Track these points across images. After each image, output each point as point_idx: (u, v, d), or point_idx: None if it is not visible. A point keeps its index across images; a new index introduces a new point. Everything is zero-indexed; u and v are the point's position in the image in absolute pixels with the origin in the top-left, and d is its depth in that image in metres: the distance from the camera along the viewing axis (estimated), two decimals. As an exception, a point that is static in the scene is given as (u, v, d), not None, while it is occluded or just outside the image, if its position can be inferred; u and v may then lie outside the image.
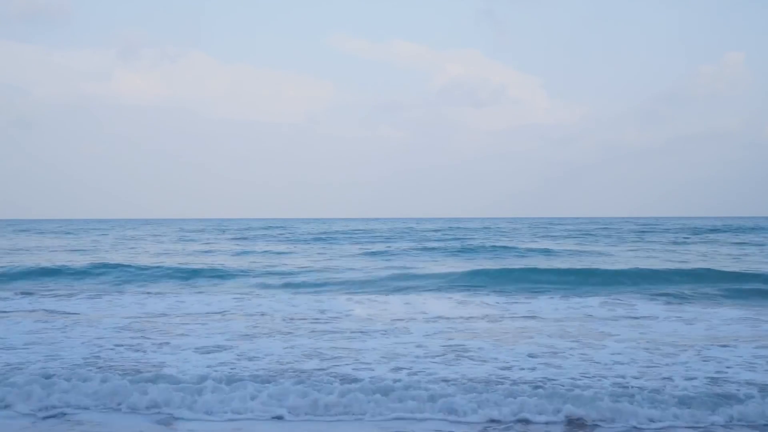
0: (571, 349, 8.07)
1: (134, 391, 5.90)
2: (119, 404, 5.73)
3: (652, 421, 5.33)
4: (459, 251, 28.03)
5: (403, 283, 16.46)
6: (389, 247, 31.37)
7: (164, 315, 11.25)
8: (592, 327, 9.81)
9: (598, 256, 24.93)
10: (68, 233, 51.63)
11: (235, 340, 8.71)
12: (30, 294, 14.30)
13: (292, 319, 10.72)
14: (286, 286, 16.18)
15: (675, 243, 33.64)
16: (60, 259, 23.70)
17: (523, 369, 6.99)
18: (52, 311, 11.69)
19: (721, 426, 5.29)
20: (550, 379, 6.51)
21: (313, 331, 9.45)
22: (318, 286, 16.04)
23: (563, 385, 6.23)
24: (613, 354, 7.74)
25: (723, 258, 23.89)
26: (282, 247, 32.17)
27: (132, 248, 32.22)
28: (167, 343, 8.48)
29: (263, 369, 6.97)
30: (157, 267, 20.08)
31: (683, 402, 5.62)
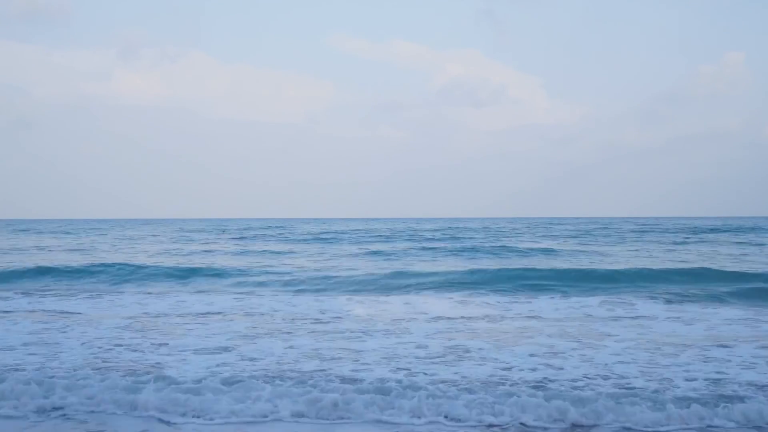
0: (571, 349, 8.06)
1: (134, 391, 5.89)
2: (119, 405, 5.72)
3: (652, 422, 5.31)
4: (459, 251, 28.03)
5: (403, 282, 16.44)
6: (389, 247, 31.37)
7: (164, 315, 11.24)
8: (593, 327, 9.80)
9: (598, 256, 24.93)
10: (68, 233, 51.62)
11: (235, 341, 8.70)
12: (30, 294, 14.29)
13: (292, 319, 10.72)
14: (286, 286, 16.16)
15: (675, 243, 33.63)
16: (60, 259, 23.70)
17: (523, 370, 6.98)
18: (51, 311, 11.68)
19: (722, 427, 5.28)
20: (550, 380, 6.50)
21: (313, 332, 9.44)
22: (318, 286, 16.02)
23: (564, 386, 6.23)
24: (613, 354, 7.74)
25: (723, 258, 23.88)
26: (282, 247, 32.16)
27: (132, 248, 32.21)
28: (167, 344, 8.47)
29: (263, 370, 6.96)
30: (157, 267, 20.07)
31: (684, 403, 5.61)
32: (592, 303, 12.41)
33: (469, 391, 5.96)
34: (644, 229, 52.27)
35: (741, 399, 5.76)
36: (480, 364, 7.24)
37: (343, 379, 6.48)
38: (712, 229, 47.87)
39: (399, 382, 6.25)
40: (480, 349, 8.06)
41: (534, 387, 6.17)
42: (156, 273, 18.83)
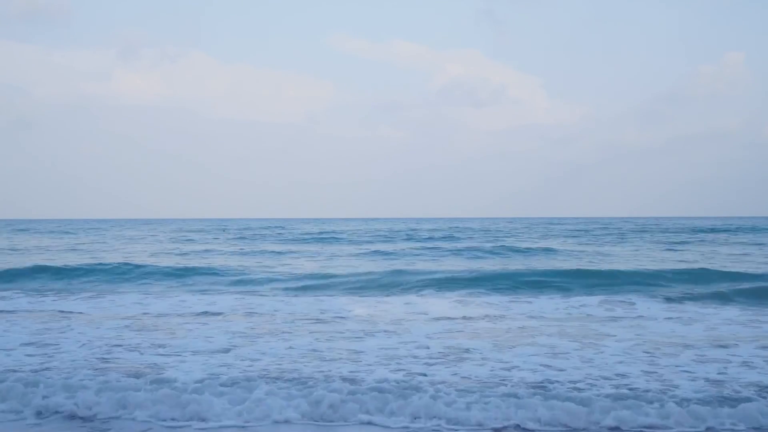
0: (572, 349, 8.06)
1: (133, 391, 5.87)
2: (118, 405, 5.70)
3: (653, 423, 5.30)
4: (459, 251, 28.03)
5: (403, 282, 16.43)
6: (389, 246, 31.38)
7: (164, 315, 11.24)
8: (593, 327, 9.80)
9: (598, 256, 24.94)
10: (68, 233, 51.62)
11: (234, 341, 8.69)
12: (29, 294, 14.29)
13: (292, 319, 10.71)
14: (286, 286, 16.17)
15: (675, 243, 33.64)
16: (59, 259, 23.69)
17: (523, 370, 6.98)
18: (51, 311, 11.67)
19: (722, 427, 5.27)
20: (551, 381, 6.49)
21: (313, 332, 9.43)
22: (318, 286, 16.02)
23: (565, 387, 6.22)
24: (613, 354, 7.73)
25: (723, 258, 23.88)
26: (282, 247, 32.16)
27: (132, 248, 32.21)
28: (167, 344, 8.46)
29: (263, 370, 6.95)
30: (157, 267, 20.06)
31: (684, 403, 5.60)
32: (592, 303, 12.41)
33: (470, 392, 5.96)
34: (644, 229, 52.28)
35: (741, 399, 5.75)
36: (480, 365, 7.23)
37: (344, 380, 6.46)
38: (712, 229, 47.87)
39: (399, 383, 6.24)
40: (480, 349, 8.05)
41: (535, 388, 6.16)
42: (156, 273, 18.83)
